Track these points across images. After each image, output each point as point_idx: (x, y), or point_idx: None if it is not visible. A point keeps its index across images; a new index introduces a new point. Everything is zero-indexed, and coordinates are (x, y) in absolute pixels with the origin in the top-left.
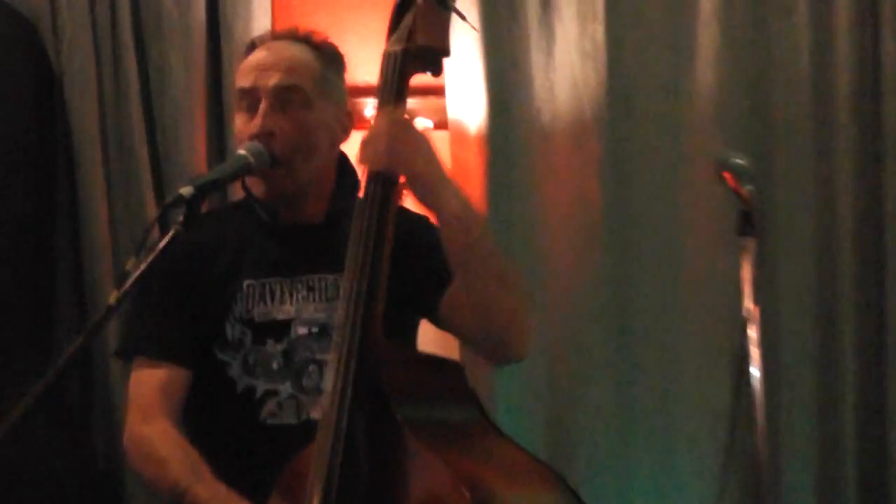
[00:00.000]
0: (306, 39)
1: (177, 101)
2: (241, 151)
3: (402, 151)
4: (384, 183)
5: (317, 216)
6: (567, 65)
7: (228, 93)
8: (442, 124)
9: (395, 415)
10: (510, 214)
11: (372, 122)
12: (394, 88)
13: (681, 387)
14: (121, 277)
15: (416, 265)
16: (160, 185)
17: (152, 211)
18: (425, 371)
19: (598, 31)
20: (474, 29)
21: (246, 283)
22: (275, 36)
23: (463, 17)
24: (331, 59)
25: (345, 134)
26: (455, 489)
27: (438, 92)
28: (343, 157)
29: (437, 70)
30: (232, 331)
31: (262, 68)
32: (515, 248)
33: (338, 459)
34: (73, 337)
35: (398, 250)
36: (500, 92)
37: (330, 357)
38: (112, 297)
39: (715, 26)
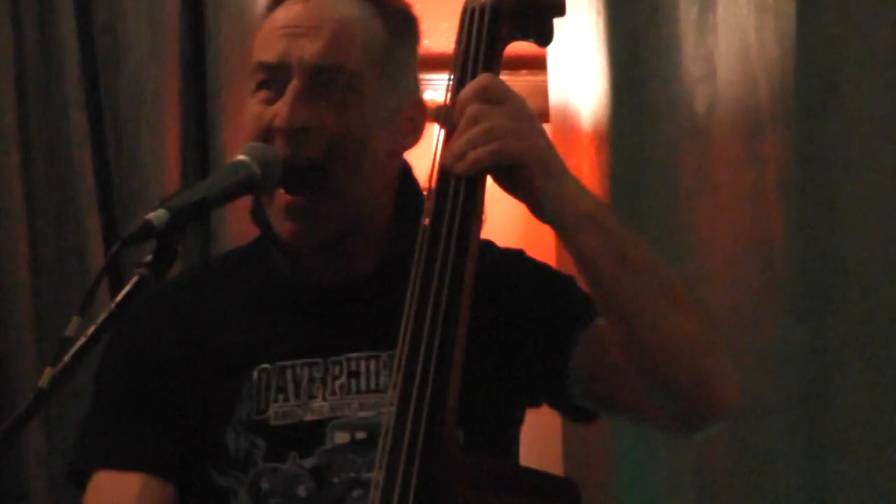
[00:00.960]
0: None
1: (136, 83)
2: (241, 157)
3: (510, 129)
4: (470, 183)
5: (365, 263)
6: (734, 23)
7: (214, 68)
8: (540, 114)
9: None
10: None
11: (446, 104)
12: (479, 63)
13: None
14: (56, 348)
15: (519, 324)
16: (111, 210)
17: (99, 249)
18: (526, 500)
19: None
20: None
21: (258, 369)
22: None
23: None
24: (400, 24)
25: (414, 135)
26: None
27: (535, 65)
28: (406, 171)
29: (544, 36)
30: (237, 441)
31: (297, 33)
32: None
33: None
34: None
35: (484, 305)
36: (629, 65)
37: (373, 481)
38: (43, 378)
39: None
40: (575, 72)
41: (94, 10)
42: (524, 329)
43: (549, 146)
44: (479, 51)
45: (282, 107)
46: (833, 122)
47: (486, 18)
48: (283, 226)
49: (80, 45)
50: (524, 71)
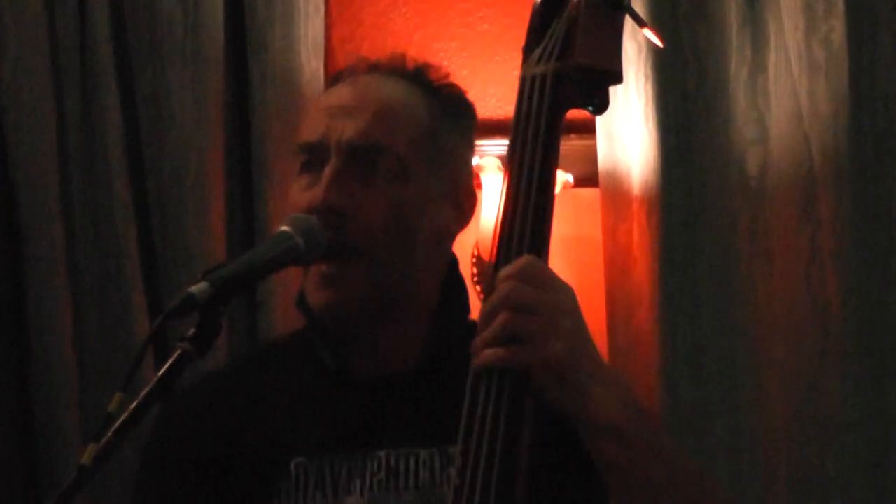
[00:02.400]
0: (417, 76)
1: (181, 155)
2: (284, 228)
3: (531, 331)
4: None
5: (408, 356)
6: (786, 85)
7: (259, 139)
8: (588, 178)
9: None
10: (695, 322)
11: (490, 265)
12: (538, 135)
13: None
14: (99, 424)
15: (557, 477)
16: (155, 283)
17: (144, 323)
18: None
19: (837, 30)
20: (656, 43)
21: (295, 462)
22: (369, 67)
23: (642, 23)
24: (450, 108)
25: (460, 223)
26: None
27: (584, 129)
28: (453, 264)
29: (601, 104)
30: None
31: (338, 113)
32: (706, 378)
33: None
34: None
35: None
36: (679, 129)
37: None
38: (86, 455)
39: None
40: (624, 136)
41: (137, 83)
42: (564, 483)
43: (576, 349)
44: (540, 119)
45: (318, 188)
46: (888, 182)
47: (547, 86)
48: (315, 295)
49: (123, 117)
50: (573, 135)
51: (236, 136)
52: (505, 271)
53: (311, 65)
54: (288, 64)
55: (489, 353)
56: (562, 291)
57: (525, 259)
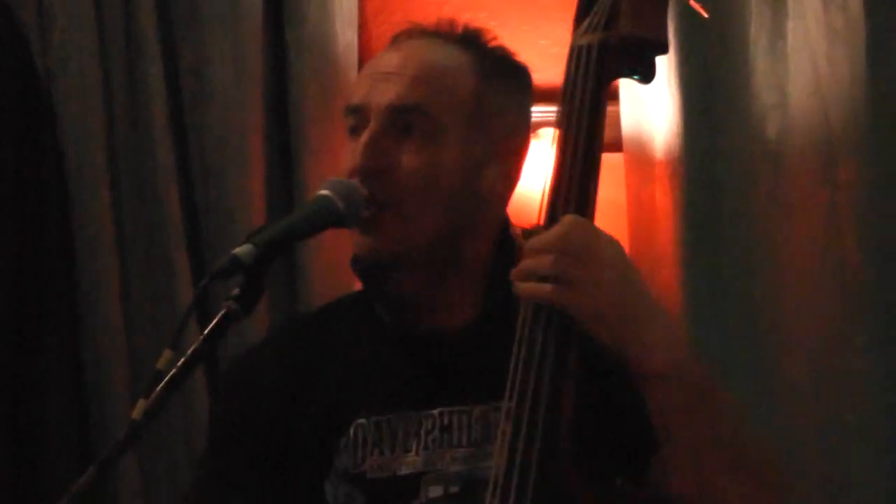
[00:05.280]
0: (465, 39)
1: (222, 123)
2: (324, 191)
3: (579, 277)
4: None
5: (462, 314)
6: (805, 52)
7: (297, 106)
8: (612, 143)
9: None
10: (718, 286)
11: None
12: (584, 104)
13: None
14: (148, 381)
15: (612, 422)
16: (198, 245)
17: (188, 284)
18: None
19: None
20: (702, 14)
21: (356, 422)
22: (419, 32)
23: None
24: (498, 71)
25: (507, 185)
26: None
27: (608, 95)
28: (505, 223)
29: (647, 74)
30: (335, 494)
31: (381, 77)
32: (728, 334)
33: None
34: (77, 474)
35: (589, 388)
36: (701, 94)
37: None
38: (136, 410)
39: None
40: (647, 100)
41: (179, 54)
42: (618, 428)
43: (621, 298)
44: (586, 88)
45: (356, 148)
46: None
47: (593, 57)
48: (356, 240)
49: (166, 87)
50: None
51: (274, 103)
52: (546, 238)
53: (346, 35)
54: (323, 34)
55: (531, 286)
56: (607, 245)
57: (570, 217)
